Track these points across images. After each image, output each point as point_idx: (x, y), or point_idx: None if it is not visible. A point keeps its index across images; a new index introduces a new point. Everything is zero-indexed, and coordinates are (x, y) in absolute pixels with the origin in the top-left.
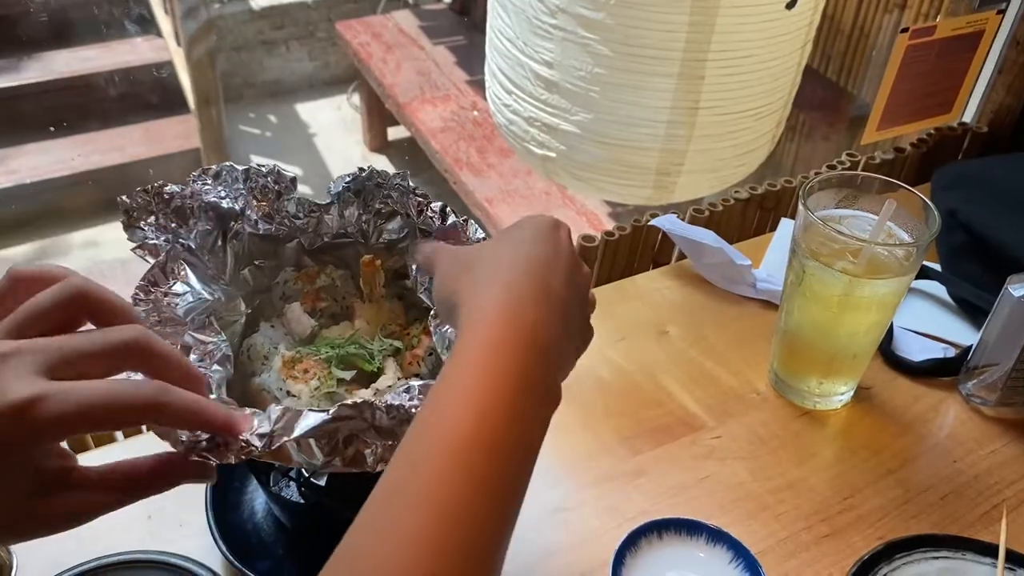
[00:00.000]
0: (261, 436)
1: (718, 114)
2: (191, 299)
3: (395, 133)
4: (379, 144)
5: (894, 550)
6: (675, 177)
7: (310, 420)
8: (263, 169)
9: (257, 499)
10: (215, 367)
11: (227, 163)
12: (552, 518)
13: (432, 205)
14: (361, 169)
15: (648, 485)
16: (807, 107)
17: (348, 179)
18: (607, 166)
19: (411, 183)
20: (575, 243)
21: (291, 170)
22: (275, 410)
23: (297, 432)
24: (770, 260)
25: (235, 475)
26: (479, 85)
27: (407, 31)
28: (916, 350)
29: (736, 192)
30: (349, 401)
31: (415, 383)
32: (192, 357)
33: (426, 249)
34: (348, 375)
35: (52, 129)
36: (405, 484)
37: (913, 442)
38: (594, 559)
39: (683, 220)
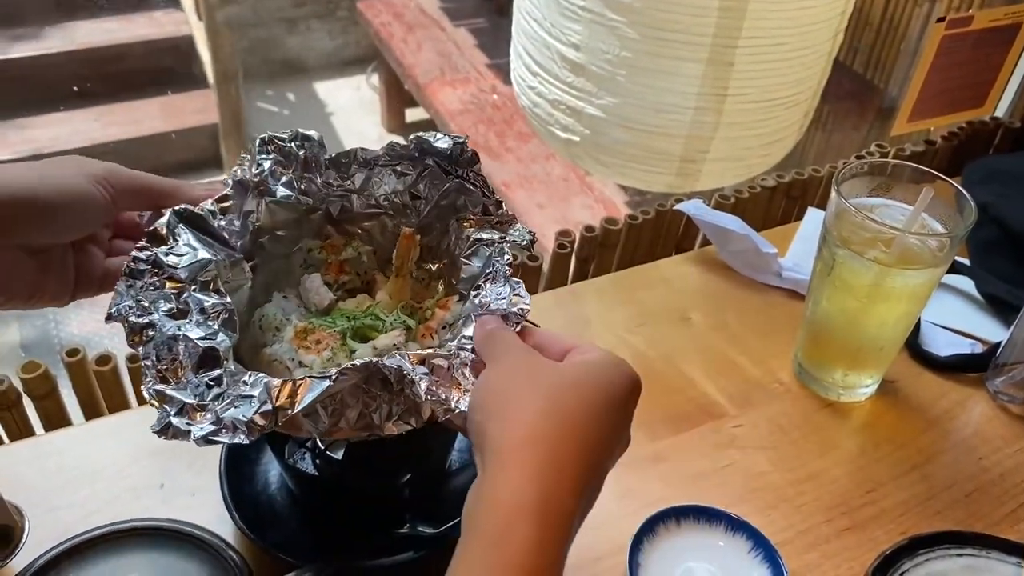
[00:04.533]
0: (265, 414)
1: (746, 102)
2: (192, 259)
3: (413, 115)
4: (397, 125)
5: (917, 546)
6: (699, 165)
7: (315, 390)
8: (285, 135)
9: (271, 470)
10: (220, 333)
11: (255, 135)
12: None
13: (485, 201)
14: (411, 140)
15: (667, 471)
16: (834, 99)
17: (396, 148)
18: (631, 151)
19: (469, 169)
20: (599, 226)
21: (315, 134)
22: (274, 383)
23: (303, 404)
24: (796, 249)
25: (249, 446)
26: (500, 68)
27: (429, 12)
28: (943, 345)
29: (763, 180)
30: (349, 364)
31: (411, 348)
32: (196, 317)
33: (488, 325)
34: (362, 347)
35: (72, 99)
36: None
37: (938, 437)
38: (610, 543)
39: (708, 206)
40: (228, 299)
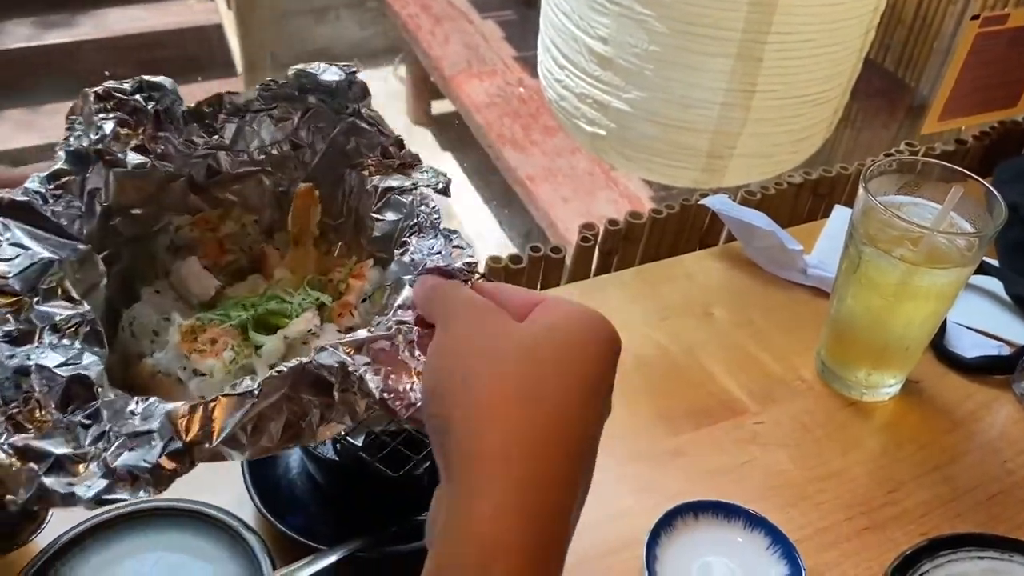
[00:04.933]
0: (174, 455)
1: (775, 98)
2: (27, 261)
3: (439, 107)
4: (423, 117)
5: (938, 547)
6: (726, 161)
7: (236, 413)
8: (126, 86)
9: (292, 454)
10: (85, 353)
11: (84, 90)
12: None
13: (384, 142)
14: (291, 75)
15: (686, 466)
16: (864, 97)
17: (271, 87)
18: (658, 146)
19: (359, 104)
20: (622, 220)
21: (167, 80)
22: (178, 411)
23: (223, 434)
24: (822, 247)
25: None
26: (526, 61)
27: (456, 4)
28: (969, 346)
29: (790, 176)
30: (274, 372)
31: (344, 338)
32: (48, 338)
33: (431, 285)
34: (270, 340)
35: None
36: None
37: (962, 439)
38: (627, 536)
39: (734, 201)
40: (85, 306)
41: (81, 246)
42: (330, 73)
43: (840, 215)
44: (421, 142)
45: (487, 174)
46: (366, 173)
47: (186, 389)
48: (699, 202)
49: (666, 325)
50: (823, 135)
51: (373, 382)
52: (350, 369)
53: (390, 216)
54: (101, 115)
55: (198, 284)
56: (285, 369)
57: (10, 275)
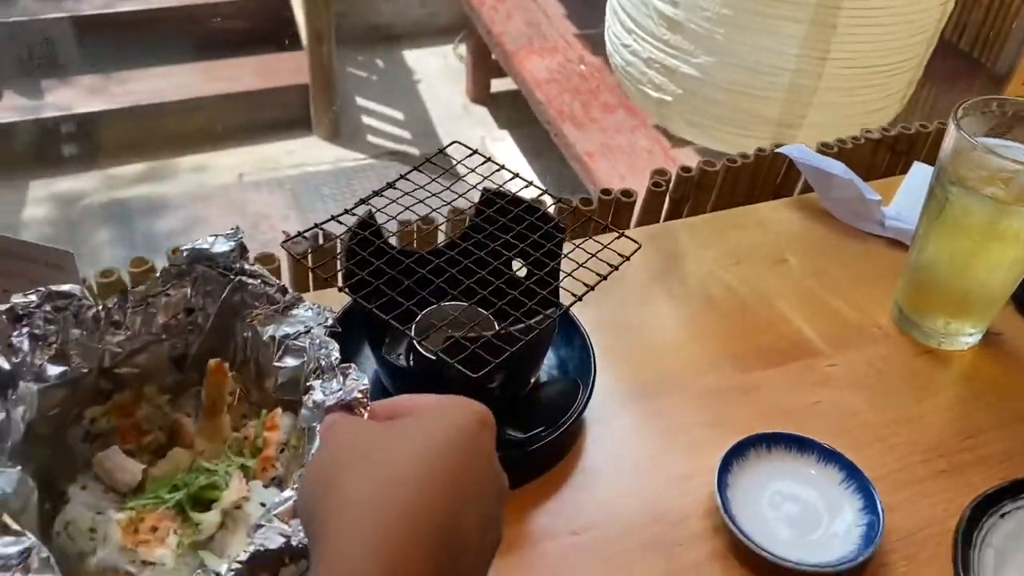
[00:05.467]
0: None
1: (847, 67)
2: None
3: (498, 85)
4: (481, 95)
5: (1021, 489)
6: (795, 130)
7: None
8: (32, 300)
9: (367, 369)
10: None
11: None
12: (651, 424)
13: (268, 290)
14: (174, 259)
15: (757, 403)
16: (938, 74)
17: (169, 271)
18: (725, 113)
19: (241, 261)
20: (695, 167)
21: (75, 287)
22: None
23: None
24: (900, 201)
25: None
26: (588, 39)
27: None
28: None
29: (868, 132)
30: (235, 564)
31: (276, 506)
32: None
33: (330, 421)
34: (209, 517)
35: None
36: None
37: None
38: (698, 466)
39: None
40: (30, 537)
41: (12, 470)
42: (221, 244)
43: (920, 171)
44: (479, 120)
45: (545, 152)
46: (256, 323)
47: None
48: (775, 150)
49: (737, 269)
50: (895, 108)
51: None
52: (293, 543)
53: (290, 362)
54: (15, 335)
55: (124, 472)
56: (242, 562)
57: None
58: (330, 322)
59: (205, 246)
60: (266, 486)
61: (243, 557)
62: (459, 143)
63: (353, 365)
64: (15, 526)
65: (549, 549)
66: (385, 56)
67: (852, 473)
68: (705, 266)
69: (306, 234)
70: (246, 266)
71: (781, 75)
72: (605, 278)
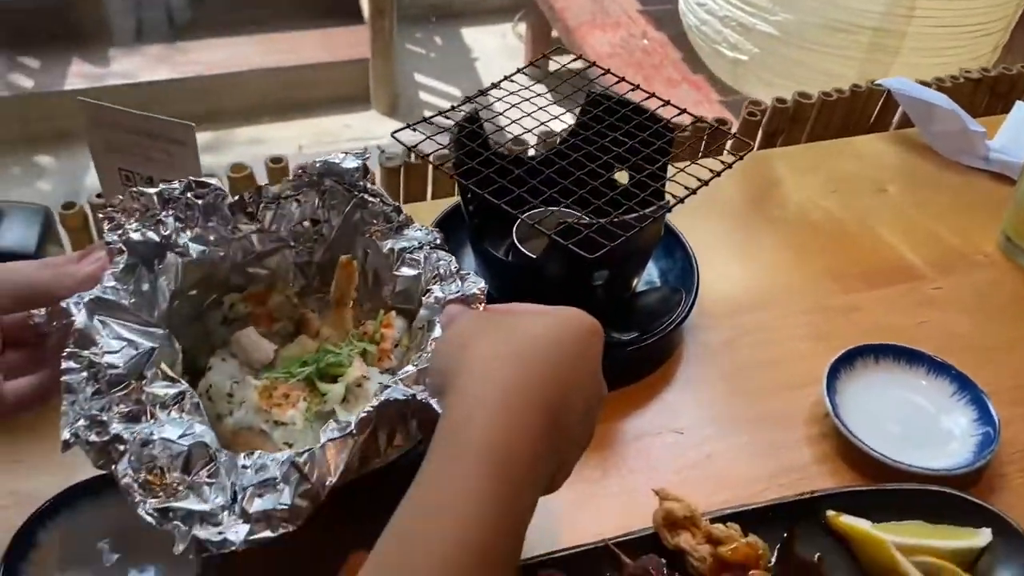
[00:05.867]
0: (306, 494)
1: (933, 25)
2: (132, 352)
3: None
4: (539, 74)
5: None
6: None
7: (344, 450)
8: (176, 188)
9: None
10: (195, 424)
11: (133, 190)
12: (753, 336)
13: (386, 210)
14: (308, 166)
15: (861, 320)
16: None
17: (301, 176)
18: (802, 73)
19: (365, 180)
20: (791, 99)
21: (213, 179)
22: (299, 459)
23: (340, 469)
24: (1003, 137)
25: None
26: (651, 15)
27: None
28: None
29: (967, 72)
30: (362, 413)
31: (400, 375)
32: (160, 415)
33: (451, 311)
34: (336, 388)
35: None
36: None
37: None
38: (801, 376)
39: None
40: (184, 383)
41: (161, 330)
42: (349, 161)
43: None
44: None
45: None
46: (374, 238)
47: (269, 439)
48: (874, 83)
49: (836, 197)
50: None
51: (437, 405)
52: (419, 398)
53: (407, 272)
54: (163, 214)
55: (258, 350)
56: (371, 409)
57: (120, 365)
58: (439, 241)
59: (335, 161)
60: (382, 373)
61: (373, 404)
62: (561, 47)
63: (471, 272)
64: (171, 373)
65: (652, 444)
66: (444, 33)
67: (964, 385)
68: (803, 192)
69: (416, 126)
70: (369, 185)
71: (863, 34)
72: (718, 174)
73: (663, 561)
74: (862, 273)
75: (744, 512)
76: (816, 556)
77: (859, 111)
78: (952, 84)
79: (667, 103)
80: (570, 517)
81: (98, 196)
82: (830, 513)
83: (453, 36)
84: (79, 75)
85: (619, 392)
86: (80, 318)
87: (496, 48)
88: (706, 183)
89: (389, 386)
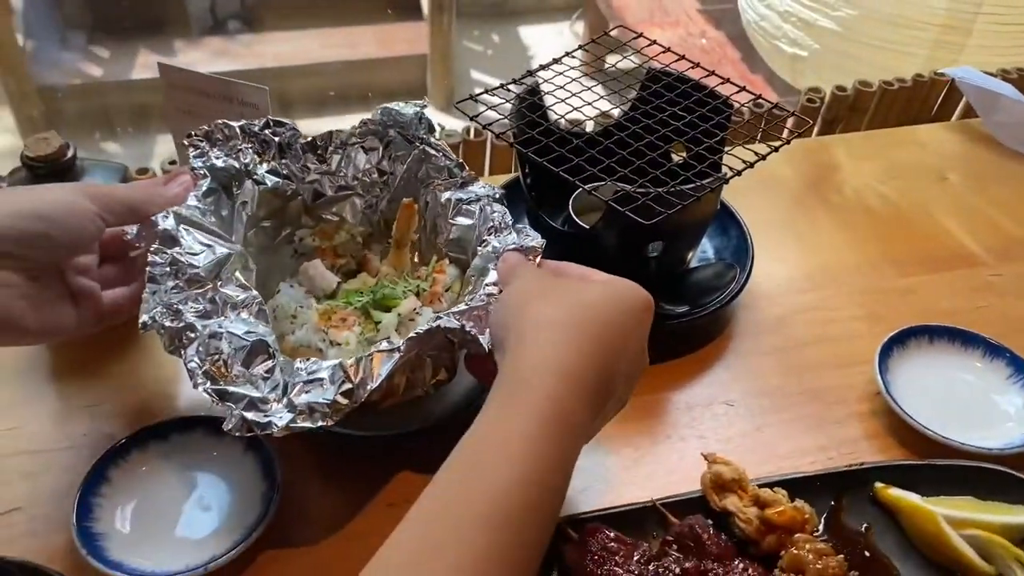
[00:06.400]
0: (347, 393)
1: (999, 23)
2: (211, 256)
3: (613, 62)
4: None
5: None
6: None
7: (387, 362)
8: (256, 124)
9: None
10: (260, 325)
11: (218, 121)
12: (807, 314)
13: (449, 164)
14: (379, 111)
15: (917, 303)
16: None
17: (366, 124)
18: (864, 70)
19: (428, 134)
20: (851, 87)
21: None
22: (347, 363)
23: (380, 378)
24: None
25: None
26: (710, 14)
27: None
28: None
29: None
30: (412, 334)
31: (452, 309)
32: (229, 313)
33: (510, 259)
34: (389, 317)
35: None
36: (443, 545)
37: None
38: (855, 354)
39: None
40: (253, 291)
41: (239, 247)
42: (408, 108)
43: None
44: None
45: None
46: (436, 191)
47: (324, 356)
48: (936, 72)
49: (896, 183)
50: None
51: (483, 340)
52: (467, 329)
53: (462, 221)
54: (244, 144)
55: (323, 280)
56: (421, 332)
57: (200, 265)
58: (499, 195)
59: (395, 107)
60: (433, 313)
61: (423, 327)
62: (623, 27)
63: (528, 227)
64: (243, 280)
65: (703, 414)
66: (501, 31)
67: (1021, 368)
68: (862, 179)
69: (478, 97)
70: (432, 139)
71: (927, 30)
72: (776, 149)
73: (709, 521)
74: (919, 258)
75: (792, 480)
76: (864, 526)
77: (921, 101)
78: (1018, 75)
79: (726, 81)
80: (619, 480)
81: (171, 163)
82: (878, 485)
83: (511, 34)
84: (144, 66)
85: (671, 363)
86: (168, 223)
87: (552, 46)
88: (763, 157)
89: (447, 308)
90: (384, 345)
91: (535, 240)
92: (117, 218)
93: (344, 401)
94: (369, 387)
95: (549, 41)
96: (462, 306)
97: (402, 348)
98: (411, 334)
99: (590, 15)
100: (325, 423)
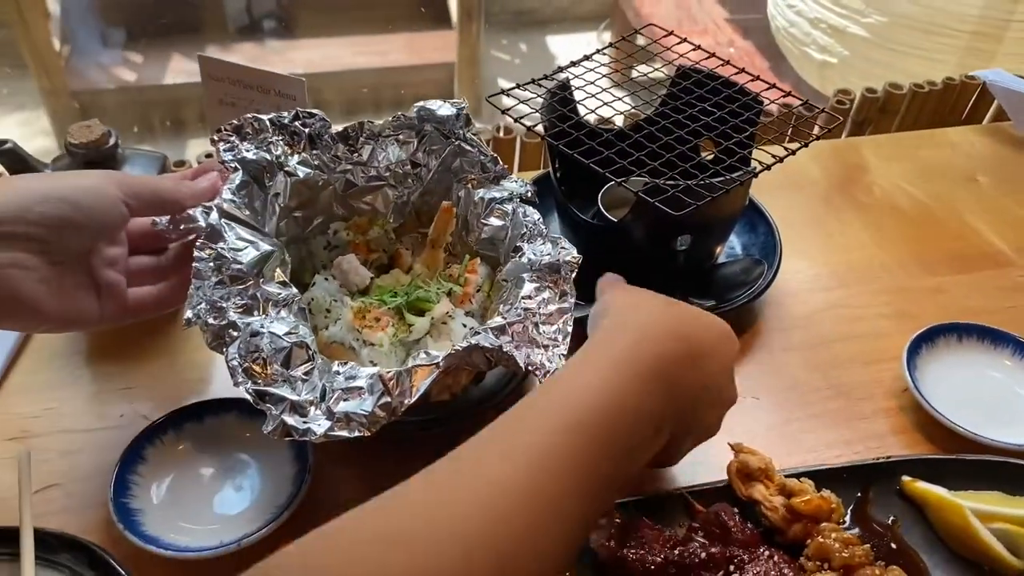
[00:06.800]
0: (385, 407)
1: None
2: (254, 252)
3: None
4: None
5: None
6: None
7: (428, 378)
8: (286, 116)
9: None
10: (300, 325)
11: (247, 115)
12: (834, 311)
13: (483, 159)
14: (415, 108)
15: (945, 302)
16: None
17: (400, 118)
18: (893, 77)
19: (466, 131)
20: (881, 89)
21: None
22: (387, 374)
23: (419, 393)
24: None
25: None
26: (738, 23)
27: None
28: None
29: None
30: (453, 349)
31: (489, 324)
32: (271, 312)
33: (608, 278)
34: (422, 320)
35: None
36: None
37: None
38: (882, 351)
39: None
40: (293, 289)
41: (275, 239)
42: (445, 108)
43: None
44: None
45: None
46: (470, 186)
47: (357, 355)
48: (967, 75)
49: (925, 184)
50: None
51: (519, 357)
52: (504, 349)
53: (494, 222)
54: (274, 136)
55: (357, 276)
56: (461, 348)
57: (244, 261)
58: (530, 194)
59: (433, 107)
60: (465, 314)
61: (462, 345)
62: (654, 24)
63: (562, 237)
64: (283, 278)
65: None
66: (529, 40)
67: None
68: (891, 179)
69: (510, 92)
70: (468, 134)
71: (958, 37)
72: (806, 144)
73: (735, 509)
74: (948, 258)
75: (819, 471)
76: (891, 519)
77: (951, 104)
78: None
79: (756, 78)
80: (646, 470)
81: (207, 156)
82: (905, 478)
83: (538, 43)
84: (178, 71)
85: None
86: (212, 217)
87: (578, 56)
88: (793, 152)
89: (474, 327)
90: (423, 359)
91: (570, 253)
92: (143, 206)
93: (382, 414)
94: (407, 402)
95: (576, 50)
96: (498, 319)
97: (441, 364)
98: (451, 350)
99: (617, 24)
100: (362, 433)
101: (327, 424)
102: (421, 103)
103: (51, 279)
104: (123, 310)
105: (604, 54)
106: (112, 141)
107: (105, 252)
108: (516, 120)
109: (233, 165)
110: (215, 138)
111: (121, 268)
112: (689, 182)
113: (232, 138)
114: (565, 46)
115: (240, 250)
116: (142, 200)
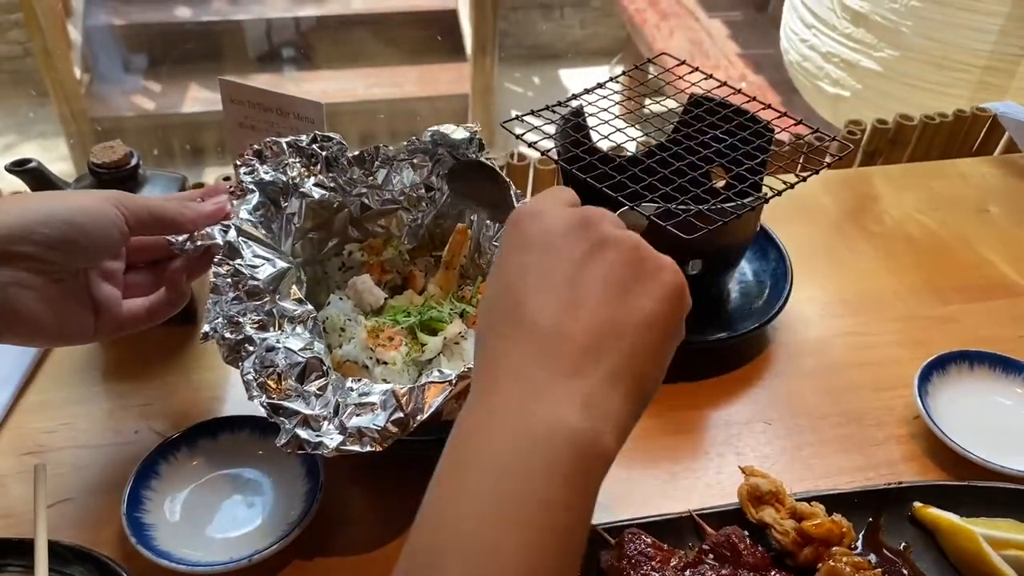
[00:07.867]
0: (398, 422)
1: None
2: (270, 269)
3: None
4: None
5: None
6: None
7: (441, 396)
8: (303, 139)
9: None
10: (315, 341)
11: (267, 139)
12: (846, 338)
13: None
14: (430, 132)
15: (957, 331)
16: None
17: (415, 142)
18: (906, 110)
19: (479, 155)
20: (892, 120)
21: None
22: (400, 390)
23: (431, 410)
24: None
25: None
26: (750, 59)
27: (684, 2)
28: None
29: None
30: (464, 368)
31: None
32: (286, 327)
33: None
34: (435, 340)
35: (342, 59)
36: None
37: None
38: (896, 379)
39: None
40: (308, 305)
41: (291, 259)
42: (459, 132)
43: None
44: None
45: None
46: (483, 212)
47: (370, 374)
48: (978, 107)
49: (937, 214)
50: None
51: None
52: None
53: None
54: (291, 158)
55: (371, 295)
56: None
57: (260, 279)
58: None
59: (447, 131)
60: None
61: (471, 365)
62: (666, 54)
63: None
64: (299, 295)
65: (741, 431)
66: (542, 74)
67: None
68: (903, 209)
69: (524, 117)
70: (481, 159)
71: (970, 71)
72: (816, 172)
73: (745, 532)
74: (960, 287)
75: (830, 496)
76: (902, 545)
77: (962, 136)
78: None
79: (767, 106)
80: (658, 493)
81: (225, 179)
82: (917, 504)
83: (551, 76)
84: (196, 100)
85: (710, 381)
86: (231, 235)
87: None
88: (804, 179)
89: None
90: (436, 376)
91: None
92: (143, 228)
93: (394, 429)
94: (419, 418)
95: (589, 84)
96: None
97: (454, 381)
98: (463, 368)
99: (630, 59)
100: (374, 448)
101: (339, 438)
102: (435, 127)
103: (51, 296)
104: (118, 324)
105: (617, 82)
106: (134, 162)
107: (104, 266)
108: (530, 145)
109: (250, 187)
110: (238, 163)
111: (117, 282)
112: (701, 207)
113: (253, 162)
114: (578, 79)
115: (257, 267)
116: (143, 222)
